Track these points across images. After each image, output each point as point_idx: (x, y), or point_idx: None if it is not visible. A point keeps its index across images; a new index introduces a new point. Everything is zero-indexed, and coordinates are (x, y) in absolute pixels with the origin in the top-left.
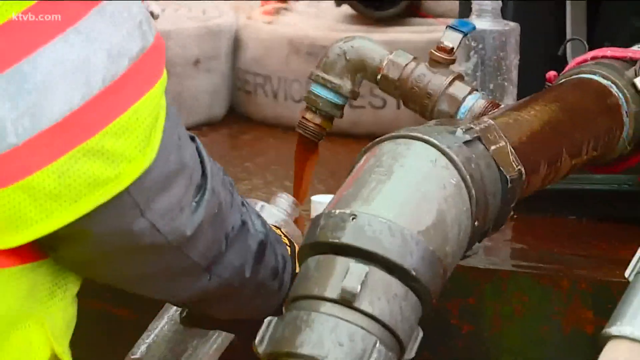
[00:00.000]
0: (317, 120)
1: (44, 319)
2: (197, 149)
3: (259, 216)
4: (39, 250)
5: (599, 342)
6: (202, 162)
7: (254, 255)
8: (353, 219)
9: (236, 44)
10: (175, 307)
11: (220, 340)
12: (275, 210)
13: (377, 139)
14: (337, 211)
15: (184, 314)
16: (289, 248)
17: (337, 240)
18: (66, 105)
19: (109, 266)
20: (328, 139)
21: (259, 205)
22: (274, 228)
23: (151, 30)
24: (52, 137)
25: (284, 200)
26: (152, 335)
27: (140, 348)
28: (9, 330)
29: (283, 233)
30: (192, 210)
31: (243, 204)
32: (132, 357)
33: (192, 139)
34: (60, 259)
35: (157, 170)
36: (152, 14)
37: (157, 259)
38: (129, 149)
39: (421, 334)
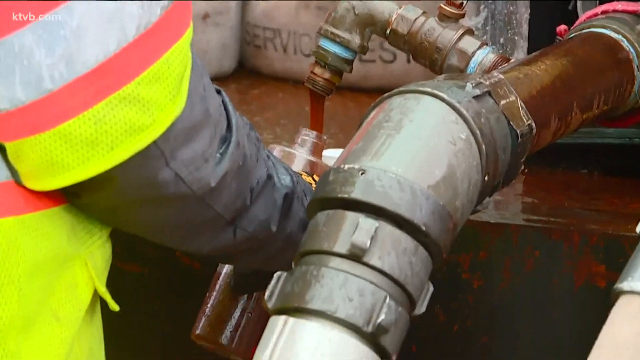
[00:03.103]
0: (327, 75)
1: (87, 259)
2: (223, 101)
3: (287, 169)
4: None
5: (611, 297)
6: (227, 114)
7: (280, 209)
8: (362, 173)
9: None
10: (223, 276)
11: None
12: (304, 155)
13: (386, 94)
14: (346, 166)
15: (233, 282)
16: None
17: (346, 195)
18: (102, 52)
19: (132, 214)
20: (338, 93)
21: (286, 152)
22: (304, 176)
23: None
24: (88, 83)
25: (308, 138)
26: (209, 309)
27: (202, 323)
28: (58, 271)
29: (315, 180)
30: (216, 161)
31: (269, 158)
32: (196, 333)
33: (218, 92)
34: (83, 206)
35: (182, 121)
36: None
37: (181, 209)
38: (161, 97)
39: (432, 289)
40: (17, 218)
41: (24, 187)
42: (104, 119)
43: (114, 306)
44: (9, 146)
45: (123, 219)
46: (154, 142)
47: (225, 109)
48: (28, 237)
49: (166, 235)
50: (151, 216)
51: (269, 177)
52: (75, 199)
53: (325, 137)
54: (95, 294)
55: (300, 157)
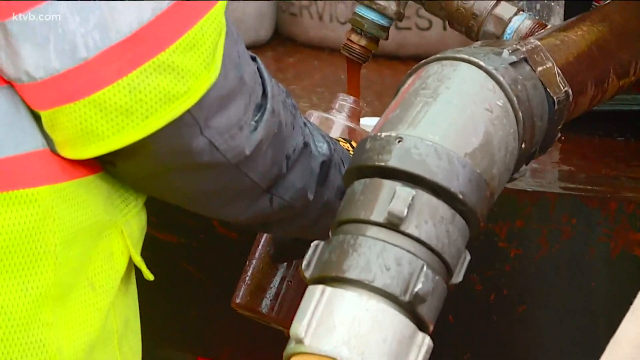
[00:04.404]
0: (363, 42)
1: (123, 227)
2: (258, 68)
3: (325, 136)
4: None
5: None
6: (262, 82)
7: (317, 177)
8: (399, 141)
9: None
10: (263, 243)
11: None
12: (342, 120)
13: (423, 61)
14: (383, 134)
15: (272, 250)
16: None
17: (383, 164)
18: (136, 20)
19: (167, 183)
20: (374, 60)
21: (324, 117)
22: (342, 143)
23: None
24: (123, 51)
25: (346, 103)
26: (248, 277)
27: (241, 291)
28: (95, 240)
29: (353, 147)
30: (251, 129)
31: (306, 125)
32: (236, 301)
33: (254, 59)
34: (119, 174)
35: (216, 88)
36: None
37: (216, 177)
38: (195, 64)
39: (469, 258)
40: (53, 187)
41: (60, 156)
42: (138, 87)
43: (149, 275)
44: (44, 115)
45: (158, 187)
46: (188, 111)
47: (261, 76)
48: (64, 205)
49: (201, 204)
50: (186, 184)
51: (306, 144)
52: (110, 167)
53: (362, 103)
54: (131, 264)
55: (338, 123)
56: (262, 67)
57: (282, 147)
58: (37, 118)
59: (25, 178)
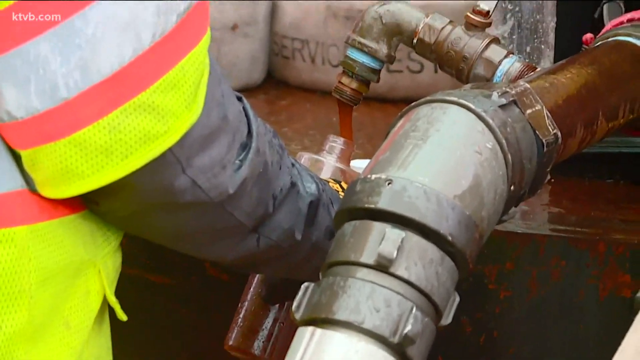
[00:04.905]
0: (354, 84)
1: (100, 266)
2: (244, 108)
3: (313, 176)
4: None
5: (635, 305)
6: (248, 121)
7: (305, 218)
8: (389, 184)
9: (274, 9)
10: (254, 285)
11: None
12: (332, 162)
13: (413, 103)
14: (373, 176)
15: (264, 292)
16: None
17: (372, 206)
18: (117, 60)
19: (151, 221)
20: (365, 103)
21: (314, 159)
22: (331, 183)
23: None
24: (103, 91)
25: (336, 144)
26: (240, 319)
27: (234, 333)
28: (72, 279)
29: (342, 187)
30: (235, 168)
31: (294, 165)
32: (229, 343)
33: (239, 98)
34: (102, 214)
35: (198, 127)
36: None
37: (200, 216)
38: (176, 104)
39: (458, 300)
40: (30, 227)
41: (39, 195)
42: (118, 127)
43: (122, 316)
44: (25, 154)
45: (142, 226)
46: (170, 150)
47: (246, 115)
48: (41, 245)
49: (186, 243)
50: (170, 223)
51: (293, 184)
52: (94, 206)
53: (353, 144)
54: (104, 303)
55: (328, 165)
56: (247, 106)
57: (268, 187)
58: (17, 157)
59: (3, 218)
